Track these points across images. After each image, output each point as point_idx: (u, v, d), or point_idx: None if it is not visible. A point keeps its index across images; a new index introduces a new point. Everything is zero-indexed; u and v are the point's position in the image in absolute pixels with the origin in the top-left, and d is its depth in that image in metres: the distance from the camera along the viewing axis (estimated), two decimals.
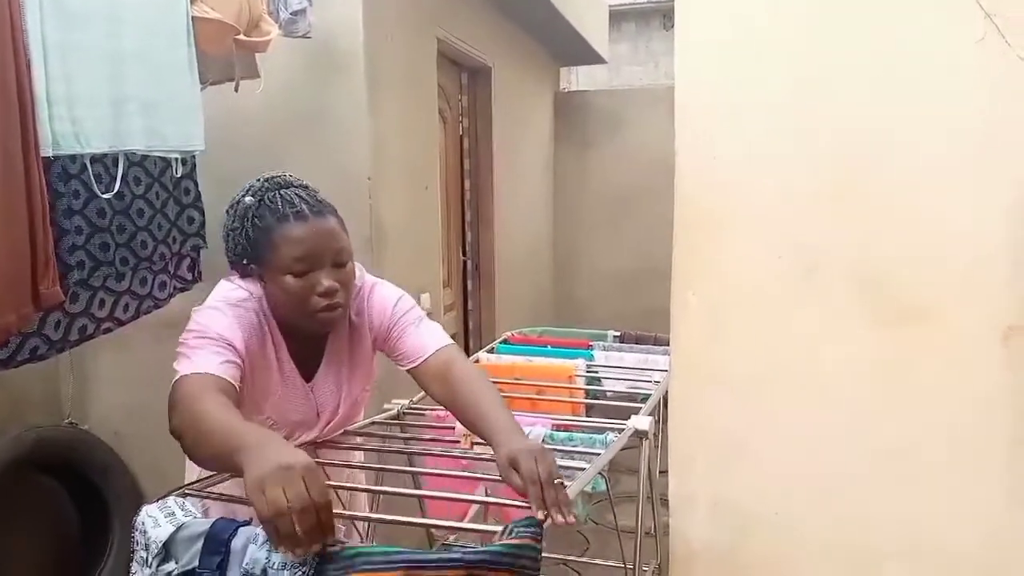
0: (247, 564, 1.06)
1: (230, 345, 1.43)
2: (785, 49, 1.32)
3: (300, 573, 1.04)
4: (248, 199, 1.52)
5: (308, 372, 1.63)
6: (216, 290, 1.56)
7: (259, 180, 1.55)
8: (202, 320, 1.47)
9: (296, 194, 1.51)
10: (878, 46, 1.26)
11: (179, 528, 1.10)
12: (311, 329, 1.56)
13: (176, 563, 1.09)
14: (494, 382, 2.17)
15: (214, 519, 1.12)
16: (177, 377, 1.37)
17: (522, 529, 1.03)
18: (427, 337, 1.62)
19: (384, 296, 1.66)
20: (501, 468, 1.33)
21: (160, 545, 1.10)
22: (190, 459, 1.33)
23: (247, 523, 1.12)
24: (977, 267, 1.24)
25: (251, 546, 1.07)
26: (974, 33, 1.20)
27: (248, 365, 1.49)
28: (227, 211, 1.57)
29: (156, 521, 1.13)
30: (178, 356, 1.42)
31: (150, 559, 1.11)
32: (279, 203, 1.49)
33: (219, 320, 1.46)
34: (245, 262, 1.54)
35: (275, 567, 1.05)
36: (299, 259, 1.47)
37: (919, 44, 1.24)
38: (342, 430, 1.72)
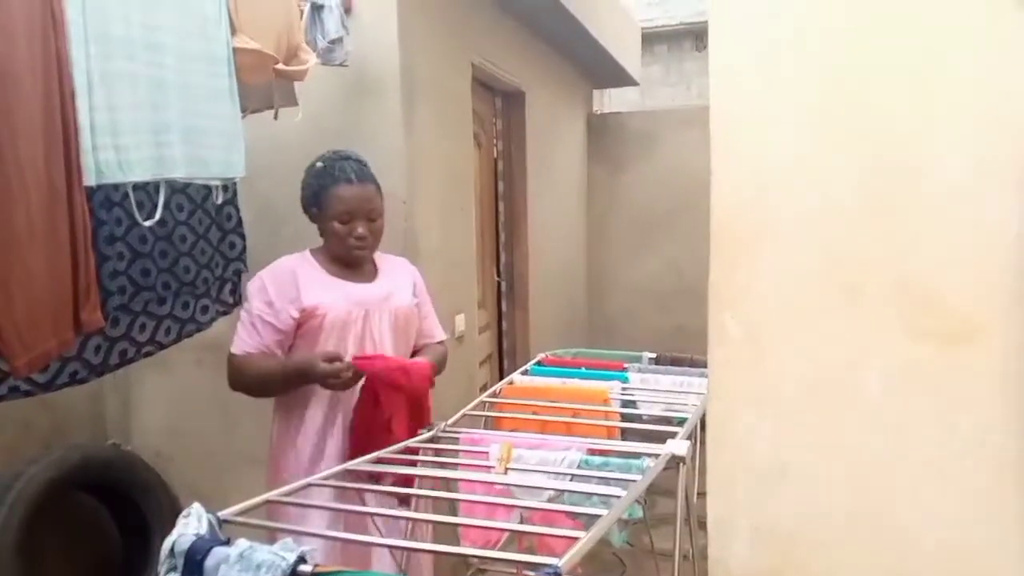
0: None
1: (266, 312, 2.07)
2: (820, 61, 1.29)
3: None
4: (319, 164, 2.15)
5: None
6: None
7: (329, 151, 2.17)
8: (247, 297, 2.14)
9: (350, 165, 2.12)
10: (918, 53, 1.23)
11: (174, 542, 1.12)
12: (348, 260, 2.14)
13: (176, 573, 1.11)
14: (528, 404, 2.22)
15: (194, 537, 1.13)
16: (230, 354, 2.09)
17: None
18: (437, 328, 2.39)
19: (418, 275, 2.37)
20: None
21: (167, 552, 1.12)
22: (252, 396, 2.15)
23: (224, 543, 1.13)
24: None
25: (223, 566, 1.08)
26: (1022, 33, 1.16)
27: (288, 298, 2.08)
28: (305, 170, 2.17)
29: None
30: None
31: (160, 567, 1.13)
32: (336, 170, 2.10)
33: (255, 294, 2.10)
34: (312, 208, 2.14)
35: None
36: (344, 212, 2.09)
37: (961, 49, 1.21)
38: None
